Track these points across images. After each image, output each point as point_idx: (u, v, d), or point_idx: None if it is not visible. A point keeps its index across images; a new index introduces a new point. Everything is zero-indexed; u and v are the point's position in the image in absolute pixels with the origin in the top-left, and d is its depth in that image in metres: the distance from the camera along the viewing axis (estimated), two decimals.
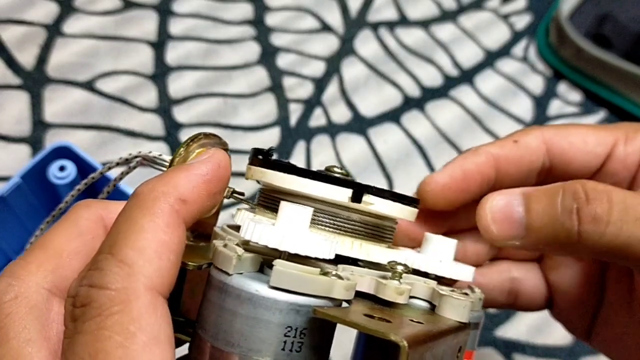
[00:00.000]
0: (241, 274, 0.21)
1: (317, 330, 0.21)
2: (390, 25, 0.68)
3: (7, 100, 0.57)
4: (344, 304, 0.22)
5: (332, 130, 0.60)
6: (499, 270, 0.36)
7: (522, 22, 0.71)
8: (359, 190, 0.24)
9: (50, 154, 0.46)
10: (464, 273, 0.27)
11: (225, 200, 0.26)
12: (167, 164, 0.25)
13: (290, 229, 0.21)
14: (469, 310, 0.24)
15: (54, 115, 0.57)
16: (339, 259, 0.24)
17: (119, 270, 0.19)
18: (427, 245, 0.28)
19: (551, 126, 0.34)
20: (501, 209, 0.27)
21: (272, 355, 0.20)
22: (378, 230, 0.25)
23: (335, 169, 0.25)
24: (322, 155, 0.58)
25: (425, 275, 0.27)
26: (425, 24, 0.69)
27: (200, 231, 0.27)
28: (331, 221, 0.24)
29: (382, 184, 0.58)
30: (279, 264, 0.20)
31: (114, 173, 0.28)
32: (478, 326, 0.27)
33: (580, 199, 0.26)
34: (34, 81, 0.58)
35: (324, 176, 0.24)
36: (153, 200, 0.21)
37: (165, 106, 0.59)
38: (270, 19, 0.66)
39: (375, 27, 0.67)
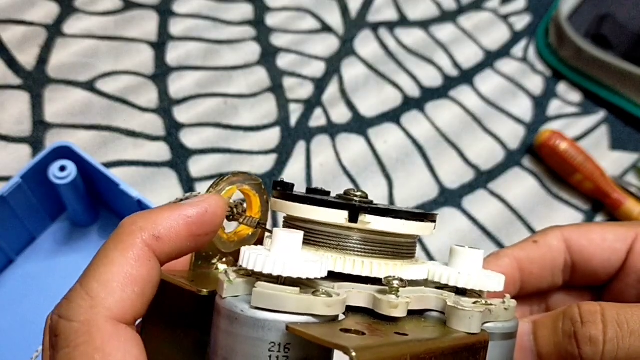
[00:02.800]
0: (237, 297, 0.22)
1: (301, 345, 0.21)
2: (390, 26, 0.68)
3: (7, 100, 0.57)
4: (341, 317, 0.22)
5: (332, 130, 0.60)
6: None
7: (521, 22, 0.71)
8: (355, 211, 0.24)
9: (50, 154, 0.46)
10: (490, 283, 0.25)
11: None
12: None
13: (282, 254, 0.22)
14: (478, 320, 0.23)
15: (54, 116, 0.57)
16: (354, 278, 0.24)
17: (83, 303, 0.21)
18: (453, 258, 0.27)
19: (571, 225, 0.35)
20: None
21: None
22: (392, 248, 0.25)
23: (356, 192, 0.26)
24: (322, 155, 0.58)
25: (457, 290, 0.26)
26: (425, 24, 0.69)
27: None
28: (335, 242, 0.25)
29: (382, 184, 0.58)
30: (259, 285, 0.22)
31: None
32: (512, 336, 0.26)
33: (577, 322, 0.27)
34: (35, 81, 0.58)
35: (322, 201, 0.25)
36: (129, 234, 0.23)
37: (165, 106, 0.59)
38: (271, 20, 0.66)
39: (375, 27, 0.68)
